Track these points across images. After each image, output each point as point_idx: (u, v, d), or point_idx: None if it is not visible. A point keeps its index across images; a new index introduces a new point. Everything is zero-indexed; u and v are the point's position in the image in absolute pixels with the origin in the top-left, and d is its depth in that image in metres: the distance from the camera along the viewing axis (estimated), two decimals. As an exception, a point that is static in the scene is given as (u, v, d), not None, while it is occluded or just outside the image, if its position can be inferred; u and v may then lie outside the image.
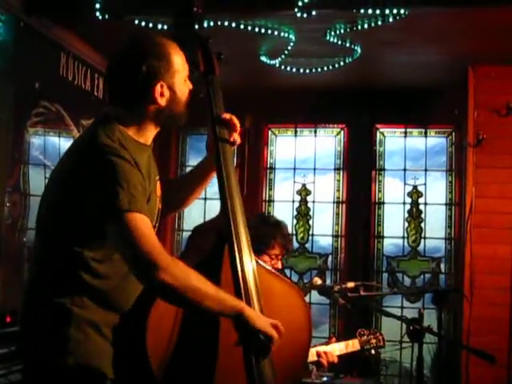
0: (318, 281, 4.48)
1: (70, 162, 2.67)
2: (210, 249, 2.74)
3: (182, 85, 2.73)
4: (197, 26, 2.92)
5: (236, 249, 2.63)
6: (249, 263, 2.65)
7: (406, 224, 7.85)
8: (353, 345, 4.57)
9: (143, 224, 2.44)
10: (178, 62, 2.71)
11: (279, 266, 4.23)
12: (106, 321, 2.59)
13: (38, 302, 2.63)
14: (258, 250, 3.86)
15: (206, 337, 2.59)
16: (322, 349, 4.36)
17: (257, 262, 2.71)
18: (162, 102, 2.67)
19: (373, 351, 4.67)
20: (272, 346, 2.52)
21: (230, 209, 2.68)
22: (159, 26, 5.56)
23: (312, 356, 4.25)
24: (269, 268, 2.92)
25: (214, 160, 2.83)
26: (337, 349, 4.47)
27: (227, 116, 2.85)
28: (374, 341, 4.64)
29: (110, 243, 2.51)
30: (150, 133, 2.75)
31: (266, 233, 4.10)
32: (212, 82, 2.87)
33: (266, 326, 2.51)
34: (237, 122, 2.87)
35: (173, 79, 2.68)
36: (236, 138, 2.87)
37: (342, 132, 8.08)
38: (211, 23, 5.25)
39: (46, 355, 2.57)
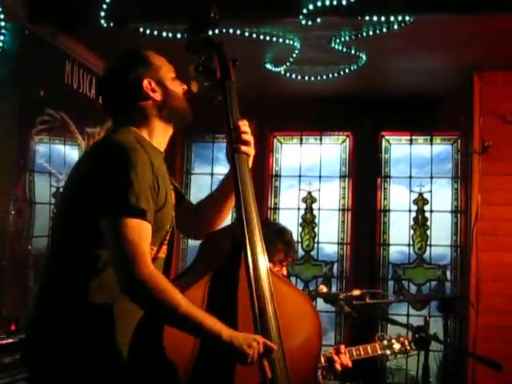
0: (323, 288, 4.46)
1: (82, 164, 2.74)
2: (226, 255, 2.74)
3: (171, 81, 2.80)
4: (211, 33, 2.93)
5: (250, 254, 2.62)
6: (263, 269, 2.64)
7: (412, 231, 7.84)
8: (372, 349, 4.47)
9: (137, 230, 2.45)
10: (158, 62, 2.81)
11: (284, 272, 4.21)
12: (123, 326, 2.57)
13: (48, 309, 2.63)
14: None
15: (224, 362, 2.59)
16: (332, 353, 4.33)
17: (270, 269, 2.71)
18: (157, 96, 2.75)
19: (399, 356, 4.55)
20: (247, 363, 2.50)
21: (245, 215, 2.68)
22: (164, 34, 5.56)
23: (321, 362, 4.23)
24: (281, 276, 2.92)
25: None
26: (353, 353, 4.40)
27: (242, 126, 2.84)
28: (397, 345, 4.51)
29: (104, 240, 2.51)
30: (161, 135, 2.80)
31: (269, 240, 4.08)
32: (229, 88, 2.88)
33: (245, 343, 2.48)
34: (249, 131, 2.87)
35: (158, 74, 2.77)
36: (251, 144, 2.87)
37: (348, 139, 8.07)
38: (216, 31, 5.25)
39: (56, 362, 2.56)
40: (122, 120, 2.76)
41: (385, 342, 4.48)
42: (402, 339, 4.52)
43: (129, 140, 2.59)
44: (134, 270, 2.41)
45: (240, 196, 2.71)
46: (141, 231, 2.46)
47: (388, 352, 4.48)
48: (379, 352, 4.46)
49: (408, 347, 4.50)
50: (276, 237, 4.13)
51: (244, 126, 2.82)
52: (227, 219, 3.09)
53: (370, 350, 4.45)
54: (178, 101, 2.79)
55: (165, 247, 2.74)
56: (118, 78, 2.77)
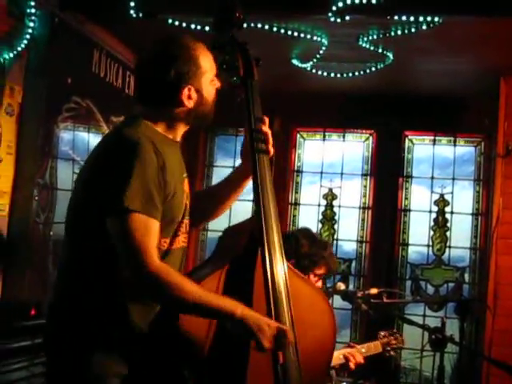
0: (341, 286, 4.48)
1: (93, 157, 2.73)
2: (243, 250, 2.77)
3: (209, 86, 2.78)
4: (236, 31, 2.95)
5: (267, 254, 2.64)
6: (280, 268, 2.67)
7: (432, 232, 7.82)
8: (375, 347, 4.56)
9: (139, 227, 2.47)
10: (206, 63, 2.76)
11: (320, 285, 4.26)
12: (140, 314, 2.61)
13: (68, 296, 2.66)
14: (306, 268, 3.92)
15: (237, 349, 2.62)
16: (347, 351, 4.37)
17: (288, 265, 2.74)
18: (190, 104, 2.73)
19: (392, 352, 4.65)
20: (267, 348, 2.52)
21: (263, 214, 2.70)
22: (192, 26, 5.57)
23: (336, 360, 4.26)
24: (297, 272, 2.94)
25: (249, 164, 2.86)
26: (362, 351, 4.47)
27: (263, 127, 2.86)
28: (393, 342, 4.62)
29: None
30: (179, 131, 2.81)
31: (316, 253, 4.12)
32: (251, 87, 2.90)
33: (255, 325, 2.51)
34: (268, 131, 2.88)
35: (200, 82, 2.74)
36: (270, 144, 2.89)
37: (371, 138, 8.06)
38: (244, 25, 5.26)
39: (74, 348, 2.59)
40: (142, 111, 2.76)
41: (385, 340, 4.57)
42: (397, 336, 4.67)
43: (136, 136, 2.58)
44: (138, 267, 2.45)
45: (259, 195, 2.73)
46: (143, 227, 2.48)
47: (388, 348, 4.60)
48: (381, 349, 4.57)
49: (401, 344, 4.67)
50: (320, 250, 4.17)
51: (265, 126, 2.85)
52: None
53: (373, 349, 4.57)
54: (208, 107, 2.80)
55: (182, 237, 2.77)
56: (160, 70, 2.70)
